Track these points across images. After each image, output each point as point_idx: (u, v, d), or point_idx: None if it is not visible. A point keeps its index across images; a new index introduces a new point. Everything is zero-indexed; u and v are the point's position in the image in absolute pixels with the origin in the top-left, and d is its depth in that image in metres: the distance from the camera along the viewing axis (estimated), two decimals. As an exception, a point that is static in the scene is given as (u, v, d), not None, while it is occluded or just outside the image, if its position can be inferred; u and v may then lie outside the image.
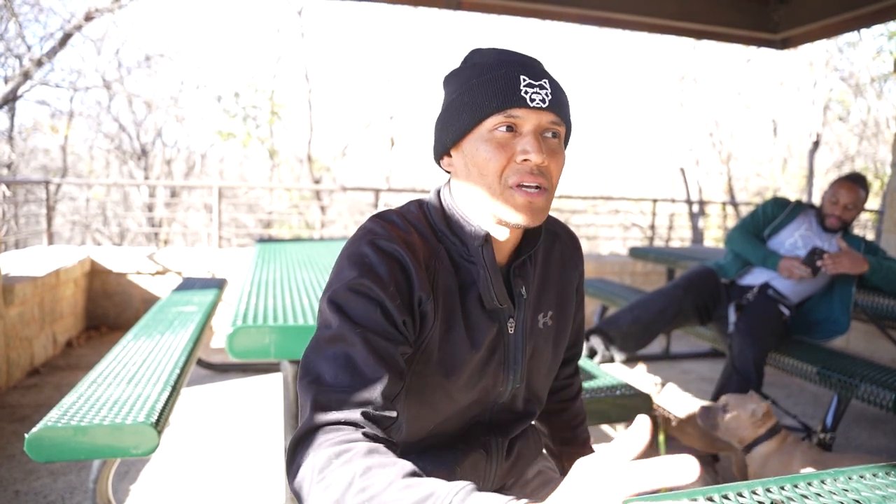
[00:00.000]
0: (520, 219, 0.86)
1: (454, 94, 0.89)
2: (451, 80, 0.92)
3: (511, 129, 0.85)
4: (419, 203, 0.96)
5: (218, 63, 19.14)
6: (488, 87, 0.85)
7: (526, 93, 0.84)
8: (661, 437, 2.04)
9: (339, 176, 15.82)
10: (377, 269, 0.82)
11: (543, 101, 0.85)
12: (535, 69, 0.87)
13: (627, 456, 0.54)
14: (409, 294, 0.84)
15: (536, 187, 0.85)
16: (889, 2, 3.51)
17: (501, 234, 0.92)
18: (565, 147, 0.92)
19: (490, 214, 0.89)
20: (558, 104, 0.87)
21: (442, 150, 0.93)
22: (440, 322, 0.88)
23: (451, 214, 0.93)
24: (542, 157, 0.84)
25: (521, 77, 0.85)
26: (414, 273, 0.84)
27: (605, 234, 10.82)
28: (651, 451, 2.11)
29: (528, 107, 0.84)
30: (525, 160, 0.84)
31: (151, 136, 13.80)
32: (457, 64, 0.96)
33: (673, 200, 9.50)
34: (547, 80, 0.86)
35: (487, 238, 0.89)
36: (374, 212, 1.12)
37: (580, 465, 0.56)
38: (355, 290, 0.81)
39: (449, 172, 0.95)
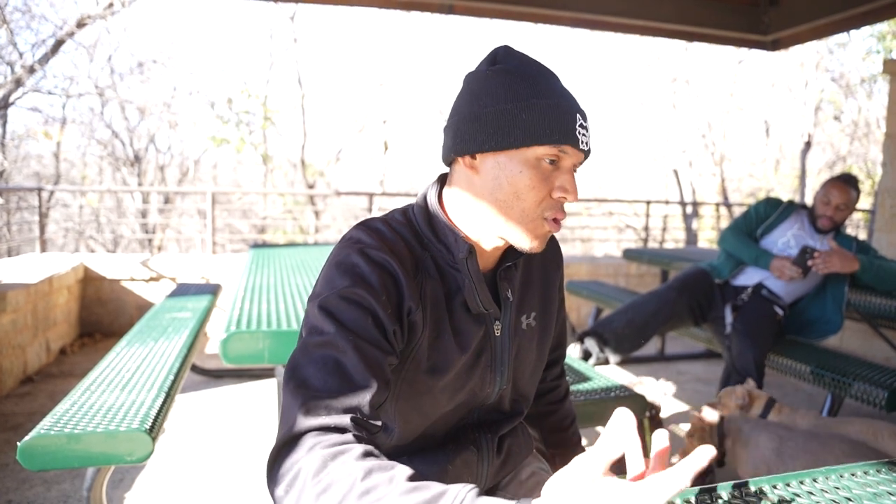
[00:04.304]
0: (534, 246, 0.90)
1: (507, 104, 0.85)
2: (497, 82, 0.88)
3: (554, 161, 0.87)
4: (404, 210, 0.96)
5: (211, 69, 19.10)
6: (550, 115, 0.85)
7: (579, 133, 0.86)
8: (646, 422, 2.04)
9: (332, 180, 15.79)
10: (368, 278, 0.82)
11: (587, 144, 0.88)
12: (583, 109, 0.90)
13: (610, 456, 0.58)
14: (399, 303, 0.84)
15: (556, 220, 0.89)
16: (877, 3, 3.53)
17: (495, 243, 0.92)
18: None
19: (496, 231, 0.90)
20: (590, 147, 0.91)
21: (469, 151, 0.88)
22: (429, 330, 0.88)
23: (438, 221, 0.92)
24: (576, 197, 0.87)
25: (577, 115, 0.87)
26: (404, 283, 0.84)
27: (599, 236, 10.85)
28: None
29: (578, 147, 0.86)
30: (562, 197, 0.87)
31: (144, 143, 13.75)
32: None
33: (667, 202, 9.56)
34: (587, 122, 0.89)
35: (472, 250, 0.90)
36: (368, 216, 1.11)
37: (569, 473, 0.60)
38: (347, 299, 0.81)
39: (450, 167, 0.94)
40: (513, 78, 0.87)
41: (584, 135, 0.87)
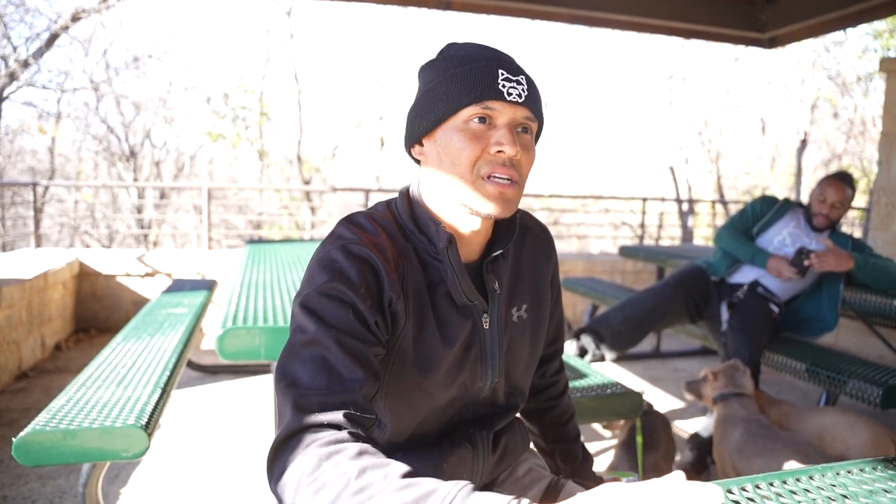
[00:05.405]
0: (491, 209, 0.88)
1: (430, 84, 0.90)
2: (427, 71, 0.93)
3: (485, 120, 0.86)
4: (387, 203, 0.97)
5: (207, 64, 19.01)
6: (466, 79, 0.86)
7: (503, 86, 0.85)
8: (639, 439, 2.05)
9: (329, 176, 15.76)
10: (347, 272, 0.83)
11: (520, 95, 0.86)
12: (512, 64, 0.88)
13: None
14: (380, 295, 0.85)
15: (507, 179, 0.87)
16: (874, 2, 3.54)
17: (473, 226, 0.92)
18: (536, 143, 0.94)
19: (461, 204, 0.90)
20: (533, 100, 0.88)
21: (414, 139, 0.93)
22: (412, 321, 0.89)
23: (419, 212, 0.93)
24: (515, 149, 0.85)
25: (499, 71, 0.86)
26: (384, 274, 0.85)
27: (595, 233, 10.84)
28: (630, 448, 2.11)
29: (504, 100, 0.85)
30: (499, 152, 0.86)
31: (140, 138, 13.69)
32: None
33: (663, 199, 9.57)
34: (523, 77, 0.88)
35: (452, 240, 0.90)
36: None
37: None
38: (327, 294, 0.82)
39: (418, 161, 0.96)
40: (440, 61, 0.92)
41: (513, 87, 0.85)
